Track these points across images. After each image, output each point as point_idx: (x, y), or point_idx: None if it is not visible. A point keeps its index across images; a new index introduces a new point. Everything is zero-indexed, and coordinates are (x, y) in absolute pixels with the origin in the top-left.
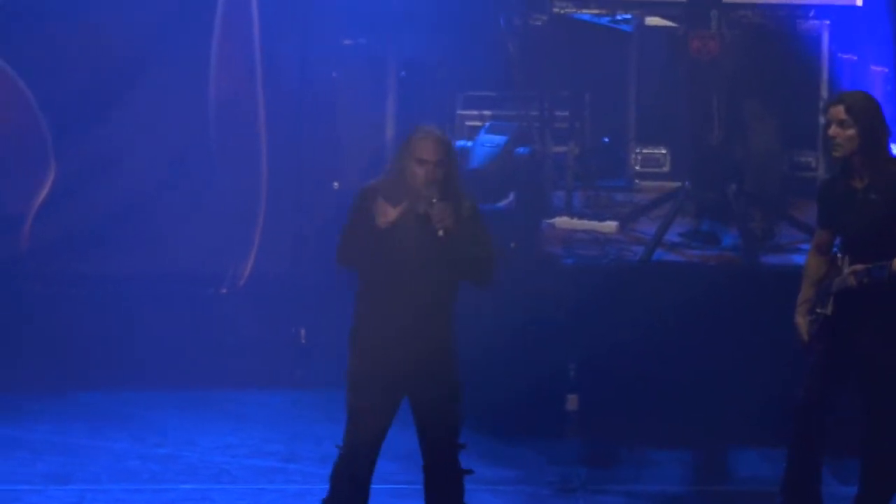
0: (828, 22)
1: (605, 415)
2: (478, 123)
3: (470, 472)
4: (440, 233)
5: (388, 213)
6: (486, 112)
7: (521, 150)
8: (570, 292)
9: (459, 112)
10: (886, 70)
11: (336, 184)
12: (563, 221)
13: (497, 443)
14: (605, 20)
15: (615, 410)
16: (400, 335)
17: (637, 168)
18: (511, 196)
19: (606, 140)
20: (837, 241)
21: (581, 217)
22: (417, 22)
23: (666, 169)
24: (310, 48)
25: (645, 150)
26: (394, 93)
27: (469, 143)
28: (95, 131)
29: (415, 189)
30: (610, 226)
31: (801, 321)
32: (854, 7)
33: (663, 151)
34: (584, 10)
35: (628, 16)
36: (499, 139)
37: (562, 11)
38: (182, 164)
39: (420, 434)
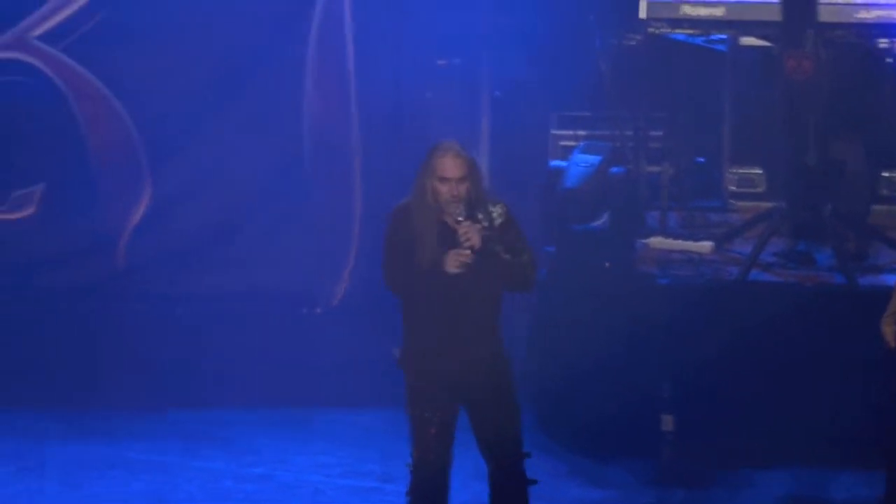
0: None
1: (701, 435)
2: (572, 143)
3: (535, 481)
4: (469, 251)
5: (459, 259)
6: (581, 132)
7: (615, 169)
8: (664, 312)
9: (553, 132)
10: None
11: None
12: (657, 241)
13: (592, 463)
14: (699, 40)
15: (711, 431)
16: (446, 350)
17: (732, 188)
18: (605, 216)
19: (701, 160)
20: None
21: (676, 237)
22: (511, 42)
23: (761, 189)
24: (403, 68)
25: (740, 170)
26: (487, 113)
27: (563, 163)
28: (189, 151)
29: (440, 207)
30: (705, 246)
31: (888, 329)
32: None
33: (758, 171)
34: (679, 31)
35: (723, 36)
36: (593, 159)
37: (656, 31)
38: (277, 183)
39: (483, 447)
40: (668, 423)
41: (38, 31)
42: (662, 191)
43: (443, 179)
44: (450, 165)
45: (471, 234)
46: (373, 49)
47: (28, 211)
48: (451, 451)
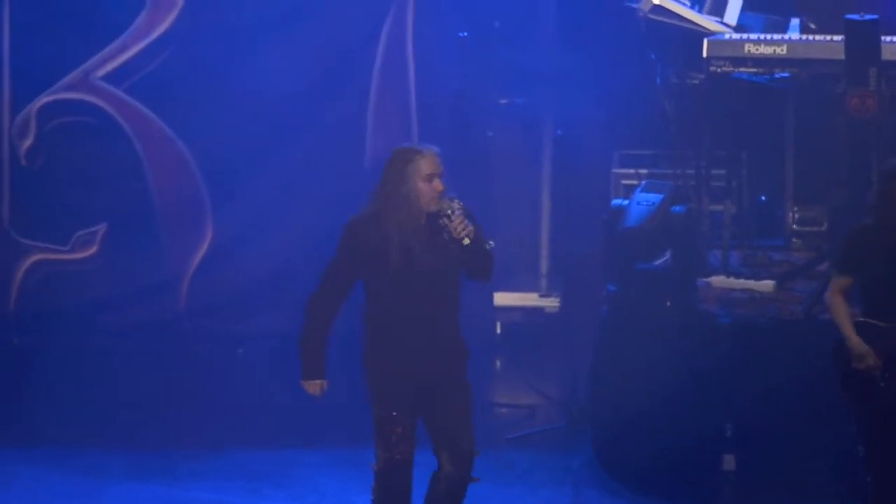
0: None
1: (763, 475)
2: (634, 182)
3: (477, 479)
4: (465, 241)
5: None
6: (643, 170)
7: (677, 208)
8: (726, 351)
9: (615, 170)
10: None
11: (491, 243)
12: (719, 280)
13: (652, 502)
14: (762, 79)
15: (772, 470)
16: (418, 348)
17: (794, 227)
18: (667, 254)
19: (763, 199)
20: None
21: (738, 276)
22: (574, 81)
23: (823, 227)
24: (466, 107)
25: (802, 209)
26: (549, 151)
27: (625, 202)
28: (252, 191)
29: (420, 207)
30: (767, 285)
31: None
32: None
33: (820, 210)
34: (742, 69)
35: (786, 74)
36: (655, 197)
37: (719, 70)
38: (338, 222)
39: (440, 440)
40: (729, 462)
41: (103, 72)
42: (724, 229)
43: (430, 176)
44: (433, 162)
45: (466, 223)
46: (435, 87)
47: (90, 251)
48: (414, 451)
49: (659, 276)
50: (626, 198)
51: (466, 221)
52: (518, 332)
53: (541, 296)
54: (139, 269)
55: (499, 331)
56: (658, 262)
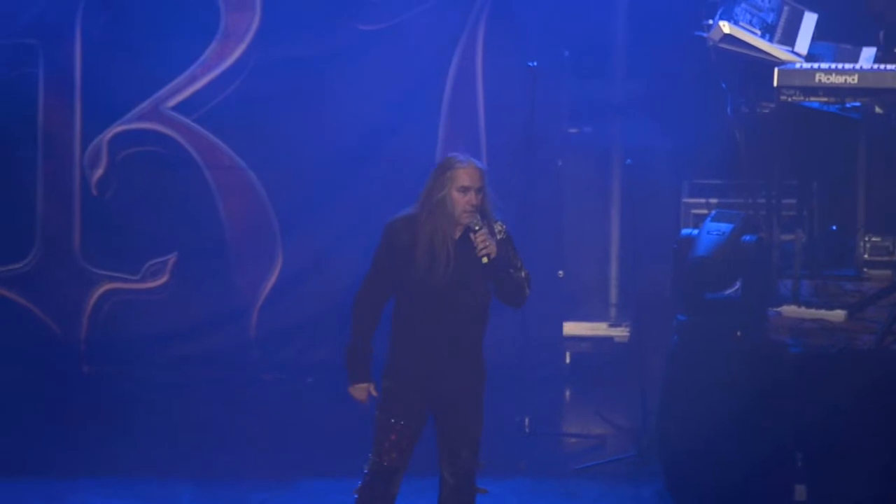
0: None
1: None
2: (703, 211)
3: (485, 490)
4: (484, 259)
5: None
6: (713, 200)
7: (747, 238)
8: (797, 381)
9: (685, 200)
10: None
11: (560, 273)
12: (790, 310)
13: None
14: (833, 108)
15: (843, 501)
16: (436, 360)
17: (865, 256)
18: (737, 284)
19: (834, 228)
20: None
21: (809, 305)
22: (643, 110)
23: (895, 257)
24: (535, 136)
25: (874, 239)
26: (618, 181)
27: (695, 231)
28: (322, 220)
29: (454, 217)
30: (838, 314)
31: None
32: None
33: (893, 240)
34: (813, 98)
35: (857, 103)
36: (725, 227)
37: (789, 99)
38: None
39: (445, 452)
40: (800, 493)
41: (173, 102)
42: (795, 259)
43: (464, 189)
44: (472, 175)
45: (488, 242)
46: (505, 117)
47: (161, 280)
48: (408, 460)
49: (729, 306)
50: (695, 227)
51: (489, 240)
52: (587, 361)
53: (610, 325)
54: (209, 298)
55: (568, 360)
56: (728, 291)
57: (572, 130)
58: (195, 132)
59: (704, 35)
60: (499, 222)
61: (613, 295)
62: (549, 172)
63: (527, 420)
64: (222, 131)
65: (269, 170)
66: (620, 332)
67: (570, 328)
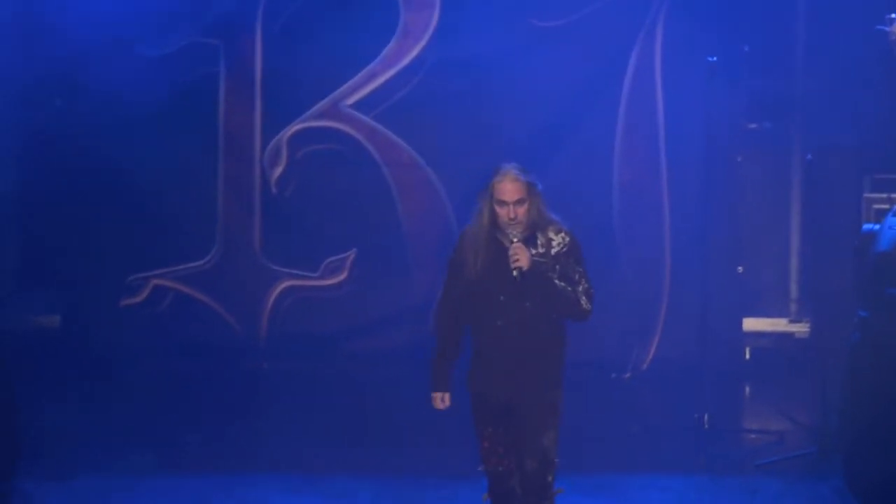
0: None
1: None
2: (885, 206)
3: (561, 490)
4: (514, 273)
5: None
6: (895, 195)
7: None
8: None
9: (866, 195)
10: None
11: (740, 268)
12: None
13: None
14: None
15: None
16: (500, 370)
17: None
18: None
19: None
20: None
21: None
22: (823, 105)
23: None
24: (714, 132)
25: None
26: (799, 176)
27: (876, 226)
28: None
29: (490, 228)
30: None
31: None
32: None
33: None
34: None
35: None
36: None
37: None
38: (586, 250)
39: (515, 460)
40: None
41: (352, 100)
42: None
43: (501, 202)
44: (507, 189)
45: (520, 255)
46: (683, 113)
47: (340, 277)
48: (513, 463)
49: None
50: (877, 222)
51: (521, 253)
52: (767, 357)
53: (791, 321)
54: (388, 295)
55: (748, 356)
56: None
57: (752, 126)
58: (374, 130)
59: (886, 29)
60: (562, 233)
61: (794, 291)
62: (728, 168)
63: (706, 416)
64: (401, 129)
65: (448, 167)
66: (801, 328)
67: (750, 324)
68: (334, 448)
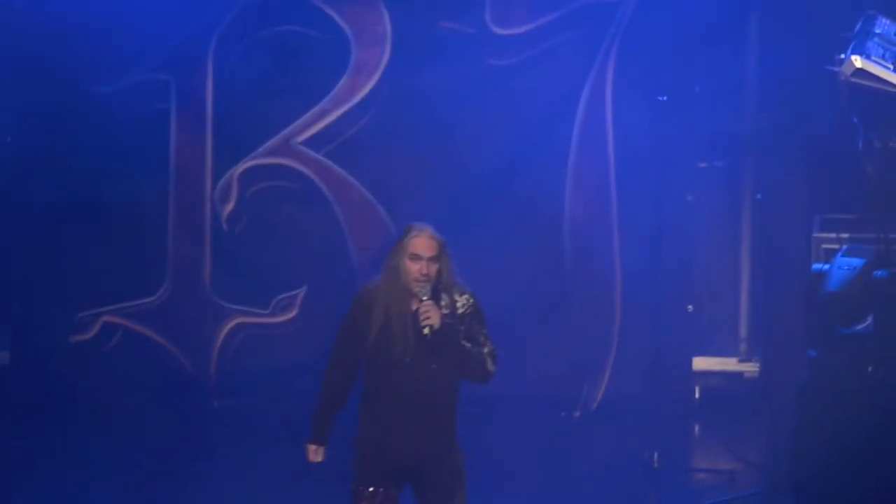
0: None
1: None
2: (835, 246)
3: None
4: (425, 331)
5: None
6: (844, 235)
7: (879, 272)
8: None
9: (816, 234)
10: None
11: (690, 307)
12: None
13: None
14: None
15: None
16: (401, 428)
17: None
18: (869, 319)
19: None
20: None
21: None
22: (773, 145)
23: None
24: (665, 171)
25: None
26: (748, 215)
27: (826, 266)
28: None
29: (408, 287)
30: None
31: None
32: None
33: None
34: None
35: None
36: (856, 262)
37: None
38: (535, 288)
39: None
40: None
41: (303, 137)
42: None
43: (414, 258)
44: (423, 245)
45: (431, 313)
46: (634, 152)
47: (291, 314)
48: None
49: (861, 341)
50: (826, 262)
51: (432, 311)
52: (717, 396)
53: (740, 360)
54: None
55: (698, 395)
56: (860, 326)
57: (702, 165)
58: (325, 167)
59: (836, 69)
60: (465, 295)
61: (743, 330)
62: (678, 207)
63: (656, 455)
64: (351, 166)
65: (398, 205)
66: (750, 368)
67: (700, 363)
68: (284, 486)
